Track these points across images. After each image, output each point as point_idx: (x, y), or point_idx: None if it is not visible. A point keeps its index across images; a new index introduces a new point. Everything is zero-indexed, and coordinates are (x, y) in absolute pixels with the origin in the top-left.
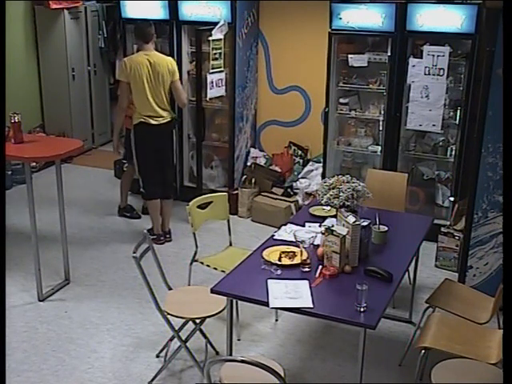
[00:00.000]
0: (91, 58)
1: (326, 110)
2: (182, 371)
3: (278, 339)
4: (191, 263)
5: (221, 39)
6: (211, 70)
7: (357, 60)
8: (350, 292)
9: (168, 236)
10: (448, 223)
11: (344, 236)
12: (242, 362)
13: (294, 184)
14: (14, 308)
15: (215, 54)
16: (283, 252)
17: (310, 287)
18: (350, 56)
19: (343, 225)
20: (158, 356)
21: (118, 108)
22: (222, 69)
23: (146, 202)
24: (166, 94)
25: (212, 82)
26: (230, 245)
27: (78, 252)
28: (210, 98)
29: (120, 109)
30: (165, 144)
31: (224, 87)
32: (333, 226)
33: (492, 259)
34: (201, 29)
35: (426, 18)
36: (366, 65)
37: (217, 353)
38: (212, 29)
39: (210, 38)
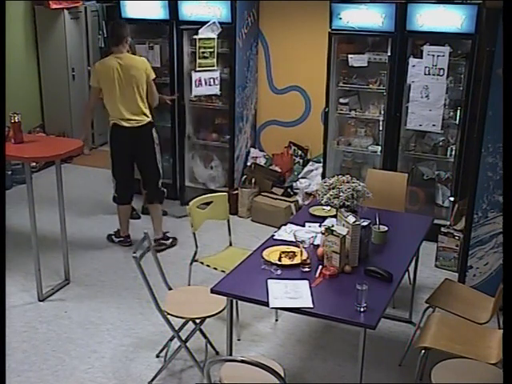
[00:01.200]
0: (91, 58)
1: (326, 109)
2: (182, 371)
3: (278, 339)
4: (191, 263)
5: (213, 38)
6: (198, 68)
7: (357, 60)
8: (350, 292)
9: (163, 241)
10: (448, 223)
11: (344, 236)
12: (242, 362)
13: (294, 184)
14: (14, 308)
15: (204, 52)
16: (283, 252)
17: (310, 287)
18: (350, 56)
19: (343, 225)
20: (158, 356)
21: (85, 109)
22: (214, 67)
23: (120, 203)
24: (141, 97)
25: (199, 80)
26: (230, 245)
27: (78, 252)
28: (196, 96)
29: (86, 110)
30: (141, 148)
31: (218, 86)
32: (333, 225)
33: (492, 259)
34: (184, 28)
35: (426, 18)
36: (365, 65)
37: (217, 353)
38: (198, 28)
39: (196, 37)
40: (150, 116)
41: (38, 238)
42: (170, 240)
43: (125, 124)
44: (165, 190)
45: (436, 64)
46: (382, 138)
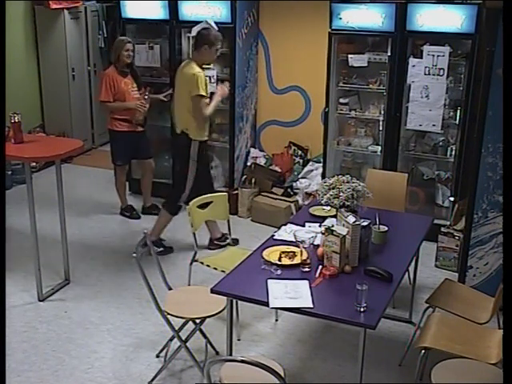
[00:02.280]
0: (91, 58)
1: (326, 109)
2: (182, 371)
3: (278, 339)
4: (191, 263)
5: None
6: None
7: (357, 60)
8: (350, 292)
9: (160, 246)
10: (448, 223)
11: (344, 236)
12: (242, 362)
13: (294, 184)
14: (14, 308)
15: None
16: (283, 252)
17: (310, 287)
18: (350, 56)
19: (343, 225)
20: (158, 356)
21: None
22: (209, 66)
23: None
24: (184, 108)
25: None
26: (230, 245)
27: (78, 252)
28: None
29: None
30: (177, 155)
31: (214, 84)
32: (333, 225)
33: (492, 259)
34: (182, 26)
35: (426, 18)
36: (365, 65)
37: (217, 353)
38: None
39: (189, 35)
40: (192, 129)
41: (38, 238)
42: (161, 249)
43: (175, 129)
44: (183, 205)
45: (436, 64)
46: (382, 138)
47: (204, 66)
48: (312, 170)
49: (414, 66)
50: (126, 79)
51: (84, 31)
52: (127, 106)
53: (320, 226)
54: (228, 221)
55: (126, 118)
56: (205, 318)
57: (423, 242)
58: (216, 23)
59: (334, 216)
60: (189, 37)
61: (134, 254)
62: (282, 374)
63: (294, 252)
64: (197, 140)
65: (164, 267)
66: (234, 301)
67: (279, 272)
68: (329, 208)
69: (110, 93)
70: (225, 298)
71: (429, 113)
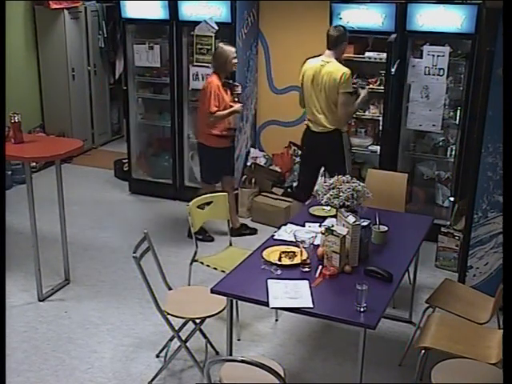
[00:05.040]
0: (91, 58)
1: None
2: (182, 371)
3: (278, 339)
4: (191, 263)
5: (210, 36)
6: (195, 63)
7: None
8: (350, 292)
9: None
10: (448, 223)
11: (344, 236)
12: (242, 362)
13: (294, 184)
14: (13, 308)
15: (201, 49)
16: (283, 252)
17: (310, 287)
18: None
19: (343, 225)
20: (158, 356)
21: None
22: (209, 65)
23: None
24: (330, 104)
25: (196, 75)
26: (230, 245)
27: (78, 252)
28: (193, 89)
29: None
30: (325, 154)
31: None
32: (333, 226)
33: (492, 259)
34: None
35: (426, 18)
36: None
37: (217, 353)
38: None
39: (193, 33)
40: (341, 123)
41: (38, 238)
42: None
43: (312, 128)
44: None
45: (436, 64)
46: (382, 138)
47: (205, 64)
48: None
49: (413, 66)
50: (227, 89)
51: (84, 31)
52: (235, 110)
53: (320, 226)
54: (228, 221)
55: (225, 135)
56: (205, 317)
57: (423, 242)
58: (216, 23)
59: (334, 216)
60: (192, 35)
61: (134, 254)
62: (282, 374)
63: (294, 252)
64: (345, 132)
65: (164, 267)
66: (234, 301)
67: (279, 272)
68: (329, 208)
69: (218, 103)
70: (225, 298)
71: (429, 113)
